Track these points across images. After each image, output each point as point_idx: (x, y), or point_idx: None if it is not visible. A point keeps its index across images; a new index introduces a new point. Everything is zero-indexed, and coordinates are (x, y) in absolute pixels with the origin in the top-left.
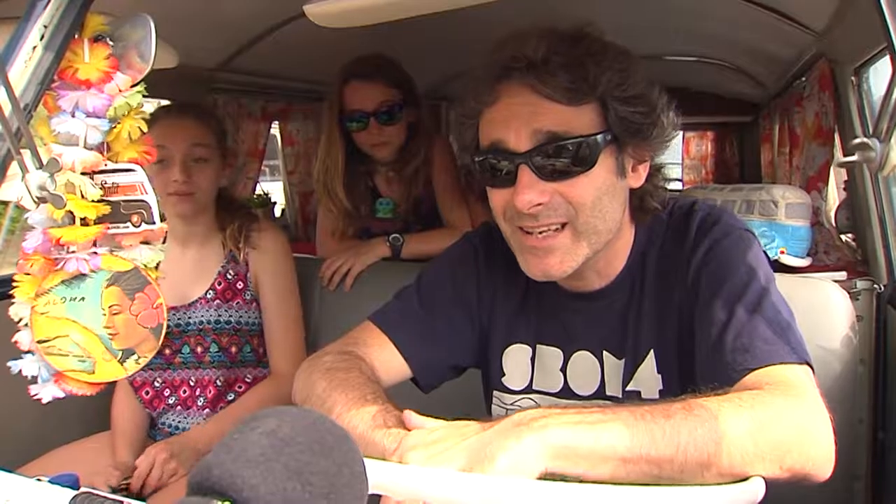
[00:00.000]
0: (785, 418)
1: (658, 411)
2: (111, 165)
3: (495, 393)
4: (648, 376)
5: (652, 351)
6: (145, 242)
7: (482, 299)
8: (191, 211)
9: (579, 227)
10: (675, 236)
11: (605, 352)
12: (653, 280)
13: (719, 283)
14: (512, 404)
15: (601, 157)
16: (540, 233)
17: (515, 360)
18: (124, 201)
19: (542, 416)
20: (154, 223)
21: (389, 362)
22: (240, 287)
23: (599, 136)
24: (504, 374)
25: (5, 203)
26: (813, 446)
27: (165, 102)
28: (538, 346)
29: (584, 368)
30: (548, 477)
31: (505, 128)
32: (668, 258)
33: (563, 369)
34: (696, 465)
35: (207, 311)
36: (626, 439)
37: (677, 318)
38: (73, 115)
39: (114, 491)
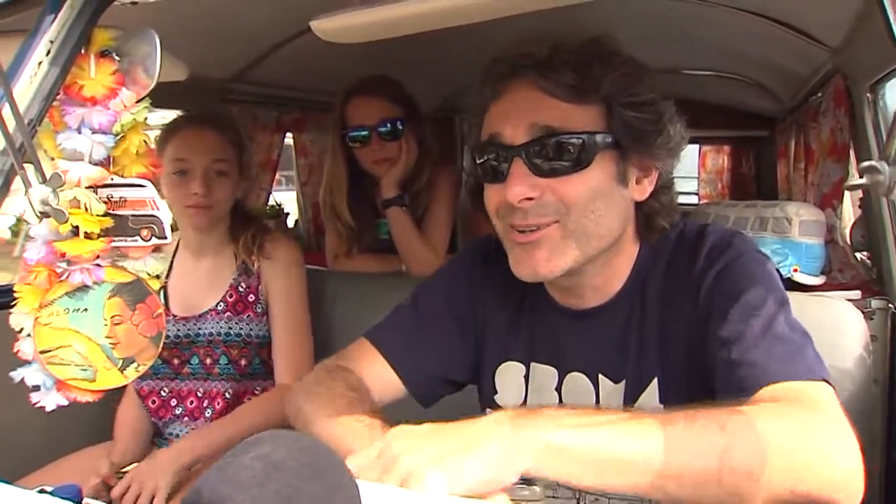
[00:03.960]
0: (800, 432)
1: (658, 419)
2: (118, 180)
3: (488, 411)
4: (649, 404)
5: (655, 379)
6: (155, 251)
7: (476, 314)
8: (207, 223)
9: (569, 225)
10: (683, 260)
11: (600, 375)
12: (655, 303)
13: (730, 304)
14: None
15: (598, 158)
16: (531, 231)
17: (508, 378)
18: (133, 216)
19: (531, 413)
20: (165, 238)
21: (381, 376)
22: (251, 300)
23: (598, 136)
24: (497, 392)
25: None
26: (836, 466)
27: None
28: (532, 364)
29: (579, 390)
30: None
31: (503, 121)
32: (674, 282)
33: (558, 389)
34: (696, 479)
35: (218, 322)
36: (618, 446)
37: (684, 346)
38: (79, 132)
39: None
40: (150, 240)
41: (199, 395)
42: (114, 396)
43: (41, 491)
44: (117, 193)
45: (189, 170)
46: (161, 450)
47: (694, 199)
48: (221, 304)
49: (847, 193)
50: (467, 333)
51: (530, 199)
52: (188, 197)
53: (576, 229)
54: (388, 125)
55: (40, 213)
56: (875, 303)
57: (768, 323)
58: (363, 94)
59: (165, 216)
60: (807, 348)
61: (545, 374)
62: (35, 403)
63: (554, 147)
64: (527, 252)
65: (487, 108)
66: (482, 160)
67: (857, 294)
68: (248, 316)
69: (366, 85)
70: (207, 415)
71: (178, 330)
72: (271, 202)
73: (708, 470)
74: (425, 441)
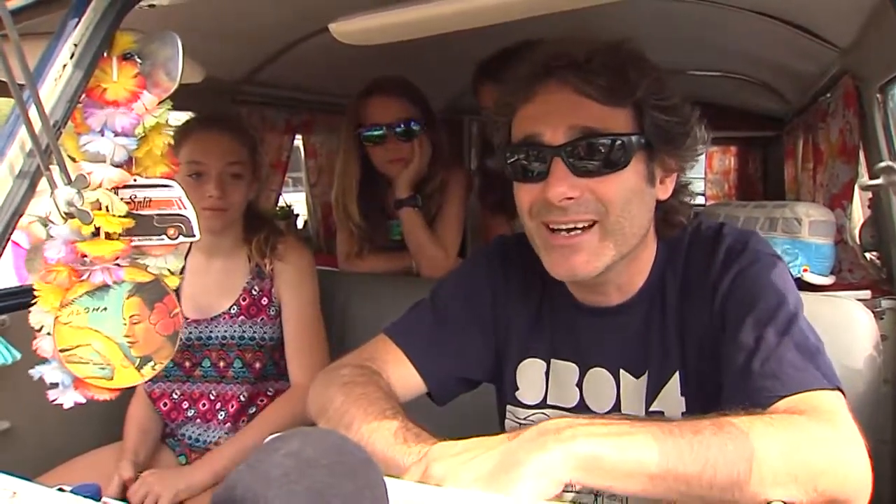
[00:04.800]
0: (818, 442)
1: (686, 427)
2: (142, 181)
3: (509, 407)
4: (672, 398)
5: (677, 373)
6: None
7: (497, 313)
8: (221, 226)
9: (608, 226)
10: (700, 259)
11: (622, 370)
12: (675, 300)
13: (747, 309)
14: (525, 419)
15: (634, 159)
16: (567, 230)
17: (529, 375)
18: (158, 215)
19: (569, 426)
20: (194, 236)
21: (405, 377)
22: (264, 303)
23: (634, 138)
24: (518, 389)
25: None
26: (848, 471)
27: (189, 114)
28: (553, 360)
29: (600, 385)
30: (572, 489)
31: (541, 122)
32: (692, 280)
33: (580, 384)
34: (726, 484)
35: (231, 326)
36: (654, 454)
37: (700, 342)
38: (102, 134)
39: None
40: (176, 238)
41: (212, 397)
42: (127, 397)
43: (60, 489)
44: (141, 193)
45: (204, 172)
46: (183, 467)
47: (700, 201)
48: (235, 307)
49: (857, 194)
50: (488, 333)
51: (570, 198)
52: (203, 199)
53: (614, 229)
54: (404, 125)
55: (65, 213)
56: (885, 303)
57: (783, 331)
58: (380, 93)
59: (192, 215)
60: (820, 355)
61: (566, 370)
62: (53, 401)
63: (594, 148)
64: (564, 255)
65: (517, 107)
66: (514, 159)
67: (867, 294)
68: (262, 319)
69: (382, 84)
70: (220, 417)
71: (190, 333)
72: (281, 203)
73: (736, 474)
74: (466, 463)
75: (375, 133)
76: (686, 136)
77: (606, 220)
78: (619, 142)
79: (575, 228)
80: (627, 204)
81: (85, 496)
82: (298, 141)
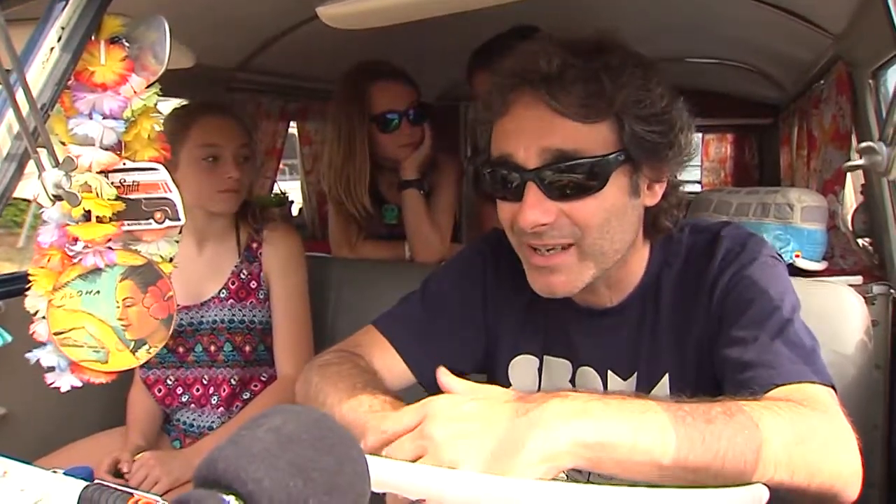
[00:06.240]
0: (818, 433)
1: (699, 414)
2: (130, 164)
3: None
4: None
5: (667, 374)
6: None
7: (488, 307)
8: (235, 206)
9: (585, 248)
10: (697, 261)
11: (609, 371)
12: (669, 302)
13: (743, 309)
14: None
15: (612, 177)
16: (548, 250)
17: (522, 371)
18: (146, 199)
19: (582, 405)
20: (179, 220)
21: (391, 365)
22: (253, 286)
23: (612, 157)
24: (510, 385)
25: (27, 201)
26: (843, 463)
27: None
28: (546, 357)
29: (589, 384)
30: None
31: (514, 142)
32: (688, 282)
33: (573, 381)
34: (732, 474)
35: (221, 310)
36: (666, 444)
37: (696, 345)
38: (90, 118)
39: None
40: (163, 222)
41: (205, 382)
42: (127, 382)
43: (54, 472)
44: (129, 177)
45: (220, 155)
46: (182, 451)
47: (696, 188)
48: (224, 291)
49: (849, 180)
50: (479, 325)
51: (544, 224)
52: (221, 181)
53: (592, 251)
54: (416, 110)
55: (53, 196)
56: (876, 288)
57: (780, 328)
58: (388, 79)
59: (177, 198)
60: (815, 354)
61: (560, 366)
62: (50, 384)
63: (567, 171)
64: (543, 275)
65: (493, 121)
66: (492, 173)
67: (858, 279)
68: (251, 302)
69: (386, 70)
70: (213, 402)
71: (182, 318)
72: (276, 190)
73: (743, 465)
74: (466, 436)
75: (392, 120)
76: (668, 147)
77: (583, 243)
78: (594, 164)
79: (553, 249)
80: (605, 224)
81: (77, 478)
82: (294, 129)
